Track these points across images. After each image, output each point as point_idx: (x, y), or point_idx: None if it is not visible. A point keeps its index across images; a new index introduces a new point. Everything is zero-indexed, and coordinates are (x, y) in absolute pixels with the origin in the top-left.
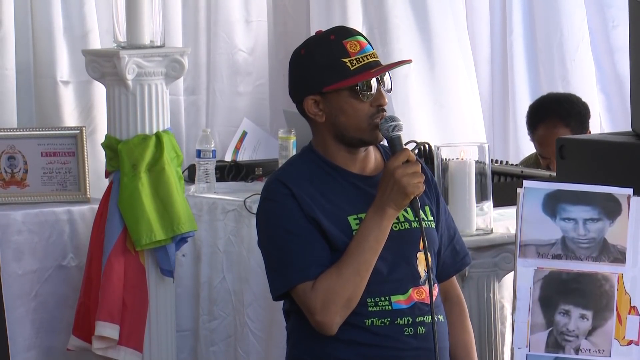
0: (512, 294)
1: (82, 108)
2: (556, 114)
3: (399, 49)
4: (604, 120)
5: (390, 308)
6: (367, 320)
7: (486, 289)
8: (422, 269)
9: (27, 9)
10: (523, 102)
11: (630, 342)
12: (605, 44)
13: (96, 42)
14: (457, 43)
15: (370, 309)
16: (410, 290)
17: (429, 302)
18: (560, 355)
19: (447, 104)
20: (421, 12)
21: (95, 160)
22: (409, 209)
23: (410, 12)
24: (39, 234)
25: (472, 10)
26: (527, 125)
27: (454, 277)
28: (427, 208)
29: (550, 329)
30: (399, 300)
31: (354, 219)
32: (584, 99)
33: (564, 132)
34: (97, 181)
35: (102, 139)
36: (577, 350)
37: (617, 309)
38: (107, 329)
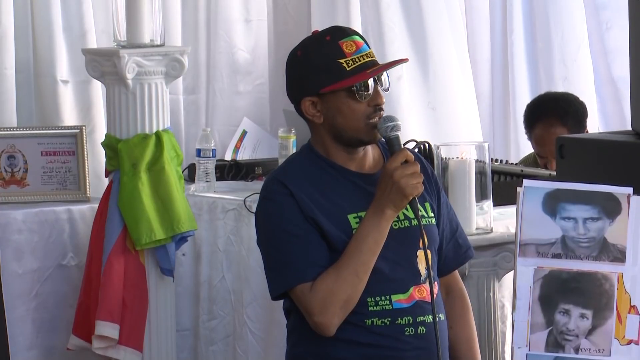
0: (512, 293)
1: (80, 107)
2: (553, 113)
3: (392, 51)
4: (598, 122)
5: (391, 307)
6: (368, 320)
7: (486, 288)
8: (422, 267)
9: (26, 9)
10: (524, 102)
11: (630, 342)
12: (600, 46)
13: (94, 42)
14: (453, 45)
15: (370, 308)
16: (411, 289)
17: (429, 301)
18: (560, 354)
19: (440, 106)
20: (415, 14)
21: (95, 159)
22: (409, 207)
23: (403, 14)
24: (39, 234)
25: (472, 10)
26: (525, 124)
27: (456, 271)
28: (427, 204)
29: (550, 328)
30: (400, 300)
31: (354, 218)
32: (584, 100)
33: (561, 131)
34: (96, 180)
35: (101, 139)
36: (577, 350)
37: (617, 308)
38: (107, 329)
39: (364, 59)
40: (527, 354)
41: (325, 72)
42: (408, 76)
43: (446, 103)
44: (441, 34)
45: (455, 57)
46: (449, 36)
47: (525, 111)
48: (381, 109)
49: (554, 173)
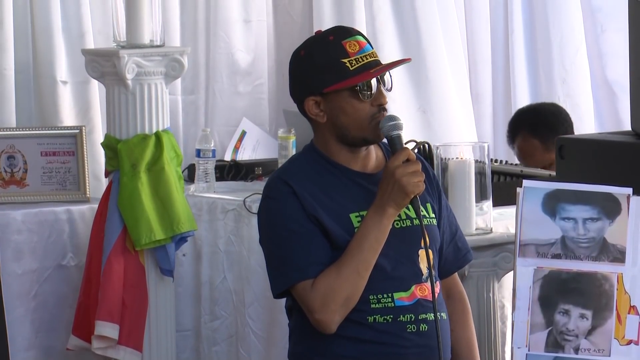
0: (511, 293)
1: (79, 108)
2: (525, 125)
3: (384, 55)
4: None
5: (393, 305)
6: (370, 317)
7: (486, 289)
8: (424, 266)
9: (26, 9)
10: (524, 103)
11: (629, 342)
12: (595, 49)
13: (92, 43)
14: (445, 47)
15: (372, 306)
16: (413, 287)
17: (431, 299)
18: (560, 354)
19: (432, 109)
20: (407, 17)
21: (93, 160)
22: (410, 206)
23: (395, 17)
24: (39, 234)
25: (472, 11)
26: (508, 141)
27: (456, 273)
28: (428, 205)
29: (550, 328)
30: (402, 297)
31: (356, 217)
32: (581, 103)
33: (534, 142)
34: (94, 181)
35: (99, 139)
36: (576, 350)
37: (616, 309)
38: (107, 329)
39: (367, 59)
40: (526, 354)
41: (329, 71)
42: (399, 79)
43: (438, 106)
44: (433, 36)
45: (446, 60)
46: (440, 39)
47: (507, 128)
48: (384, 109)
49: (554, 173)
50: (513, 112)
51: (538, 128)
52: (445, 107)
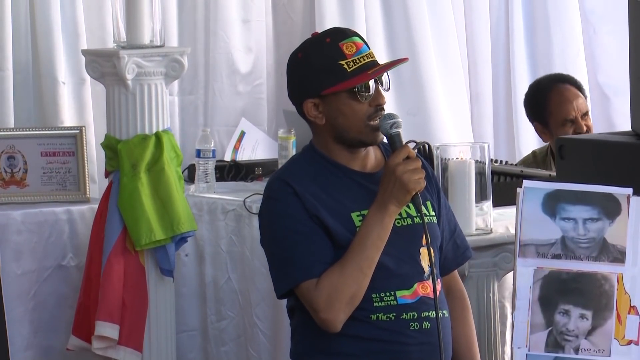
0: (512, 293)
1: (76, 109)
2: (559, 79)
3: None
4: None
5: (396, 303)
6: (373, 316)
7: (486, 289)
8: (425, 264)
9: (26, 9)
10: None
11: (629, 342)
12: (588, 51)
13: (90, 44)
14: (437, 50)
15: (375, 304)
16: (415, 285)
17: (433, 297)
18: (560, 355)
19: (421, 112)
20: (397, 18)
21: (90, 161)
22: (411, 205)
23: (384, 21)
24: (39, 234)
25: (472, 11)
26: (534, 110)
27: (456, 271)
28: (428, 203)
29: (550, 328)
30: (404, 295)
31: (357, 216)
32: None
33: (576, 93)
34: (91, 182)
35: (93, 140)
36: (576, 350)
37: (616, 309)
38: (107, 329)
39: (364, 60)
40: (527, 355)
41: (326, 73)
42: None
43: (429, 109)
44: (424, 40)
45: (437, 63)
46: (430, 42)
47: (528, 98)
48: (382, 109)
49: (554, 174)
50: (513, 112)
51: (575, 82)
52: (435, 110)
